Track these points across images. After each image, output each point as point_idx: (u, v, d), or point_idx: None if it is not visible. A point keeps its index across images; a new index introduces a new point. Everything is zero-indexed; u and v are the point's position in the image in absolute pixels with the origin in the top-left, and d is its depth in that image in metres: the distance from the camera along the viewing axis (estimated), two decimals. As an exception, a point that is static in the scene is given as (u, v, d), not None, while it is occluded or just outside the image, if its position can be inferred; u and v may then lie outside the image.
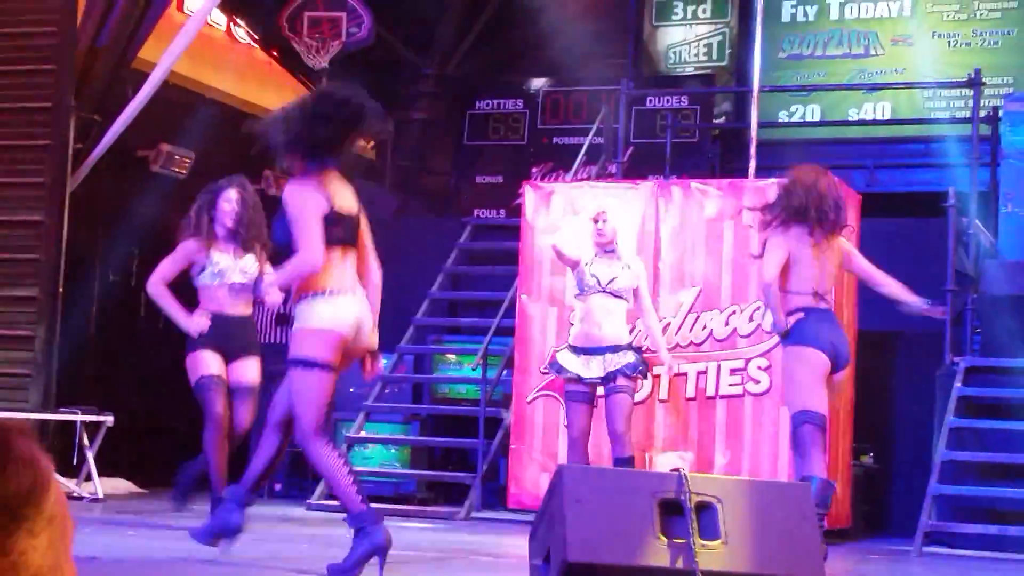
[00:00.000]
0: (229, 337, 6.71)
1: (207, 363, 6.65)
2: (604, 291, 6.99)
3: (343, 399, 9.94)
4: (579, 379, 7.00)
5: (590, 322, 7.02)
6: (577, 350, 7.05)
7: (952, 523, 7.62)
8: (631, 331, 7.29)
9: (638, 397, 8.10)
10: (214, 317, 6.70)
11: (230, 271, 6.71)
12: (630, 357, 6.98)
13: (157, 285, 6.76)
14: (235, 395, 6.74)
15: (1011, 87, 10.89)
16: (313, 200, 4.95)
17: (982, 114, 9.40)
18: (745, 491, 4.89)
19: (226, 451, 6.59)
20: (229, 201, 6.77)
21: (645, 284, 7.29)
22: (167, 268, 6.76)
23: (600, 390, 7.08)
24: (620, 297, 7.03)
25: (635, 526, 4.56)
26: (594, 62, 12.27)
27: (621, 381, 6.95)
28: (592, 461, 7.24)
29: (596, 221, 7.12)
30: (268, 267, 6.60)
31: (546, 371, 7.76)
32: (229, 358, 6.73)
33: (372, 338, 5.21)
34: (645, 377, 7.28)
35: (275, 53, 11.79)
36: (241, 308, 6.81)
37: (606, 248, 7.10)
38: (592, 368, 6.97)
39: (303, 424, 4.99)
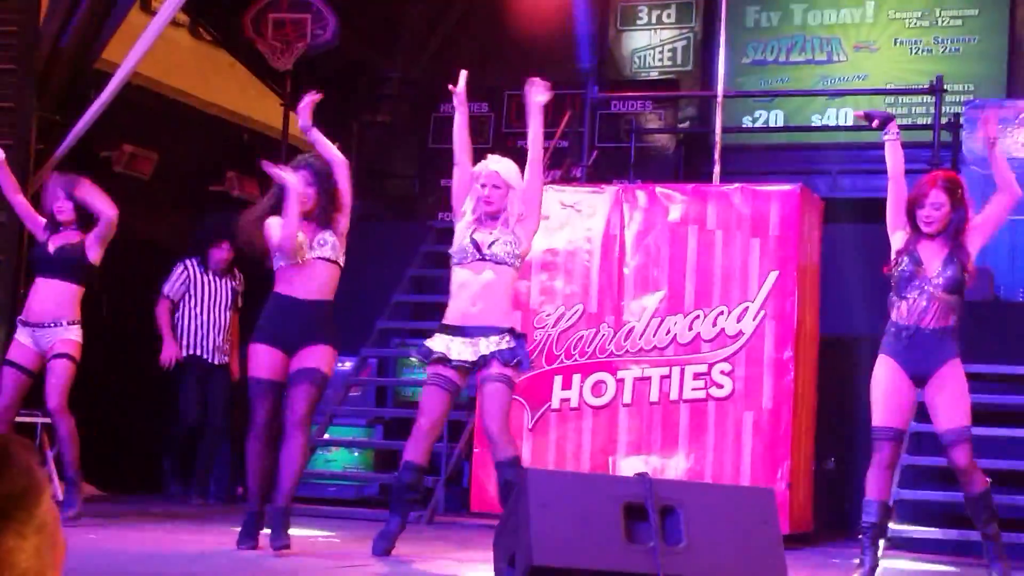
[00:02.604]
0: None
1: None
2: (483, 258, 6.08)
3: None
4: (445, 361, 6.05)
5: (464, 297, 6.08)
6: (448, 329, 6.09)
7: (913, 528, 7.66)
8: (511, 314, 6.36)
9: (600, 401, 8.12)
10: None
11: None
12: (509, 343, 6.00)
13: None
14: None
15: (972, 94, 10.98)
16: None
17: (943, 121, 9.48)
18: (709, 495, 4.92)
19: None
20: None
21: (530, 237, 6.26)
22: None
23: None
24: (503, 263, 6.07)
25: (600, 530, 4.58)
26: (559, 66, 12.29)
27: (496, 369, 5.96)
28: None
29: (483, 186, 6.18)
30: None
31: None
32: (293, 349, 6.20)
33: None
34: (524, 369, 6.23)
35: (239, 55, 11.74)
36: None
37: (492, 215, 6.19)
38: (461, 351, 6.01)
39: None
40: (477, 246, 6.09)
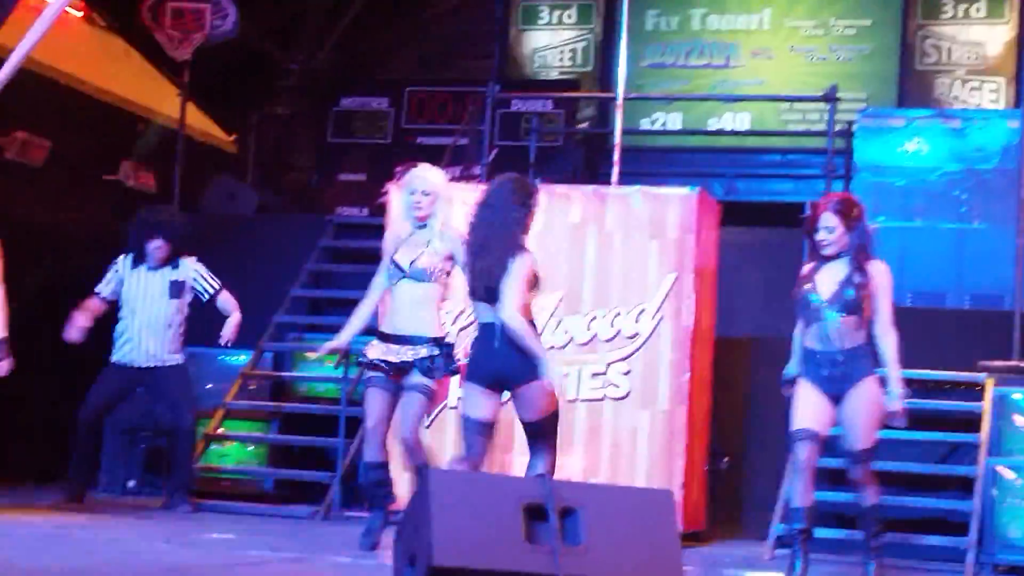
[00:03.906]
0: None
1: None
2: (407, 276, 6.50)
3: (200, 396, 9.80)
4: (381, 363, 6.49)
5: (393, 310, 6.55)
6: (383, 336, 6.55)
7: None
8: (441, 324, 6.72)
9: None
10: None
11: None
12: (432, 351, 6.48)
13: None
14: None
15: (865, 102, 11.21)
16: None
17: (837, 128, 9.64)
18: (608, 496, 4.96)
19: None
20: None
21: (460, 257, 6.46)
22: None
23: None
24: (424, 281, 6.49)
25: (500, 530, 4.60)
26: (461, 63, 12.33)
27: (416, 379, 6.45)
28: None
29: (412, 193, 6.57)
30: None
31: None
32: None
33: None
34: (450, 374, 6.62)
35: (135, 42, 11.56)
36: None
37: (420, 224, 6.59)
38: (392, 354, 6.47)
39: None
40: (399, 267, 6.52)
